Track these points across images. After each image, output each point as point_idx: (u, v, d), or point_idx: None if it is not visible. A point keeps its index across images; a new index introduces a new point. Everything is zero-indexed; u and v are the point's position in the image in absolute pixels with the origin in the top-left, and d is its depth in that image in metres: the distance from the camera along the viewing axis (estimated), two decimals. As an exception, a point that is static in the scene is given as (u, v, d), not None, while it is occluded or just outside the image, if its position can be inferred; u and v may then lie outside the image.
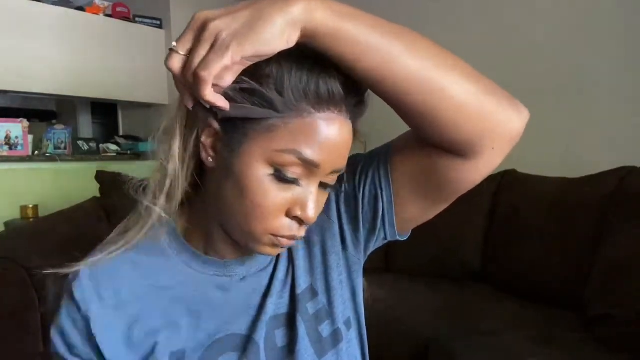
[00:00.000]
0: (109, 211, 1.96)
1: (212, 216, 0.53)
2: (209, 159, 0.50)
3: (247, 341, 0.56)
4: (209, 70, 0.41)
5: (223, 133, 0.48)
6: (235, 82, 0.44)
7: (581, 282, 1.44)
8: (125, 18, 3.60)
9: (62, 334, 0.54)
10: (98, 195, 2.30)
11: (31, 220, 2.89)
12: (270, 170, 0.47)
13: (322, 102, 0.46)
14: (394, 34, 0.43)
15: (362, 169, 0.57)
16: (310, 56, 0.45)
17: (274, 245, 0.51)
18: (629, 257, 1.35)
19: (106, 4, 3.57)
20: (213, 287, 0.57)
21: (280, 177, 0.47)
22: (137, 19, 3.67)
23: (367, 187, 0.56)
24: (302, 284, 0.60)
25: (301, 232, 0.51)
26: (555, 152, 2.07)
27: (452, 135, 0.47)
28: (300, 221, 0.50)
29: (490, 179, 1.97)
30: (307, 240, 0.61)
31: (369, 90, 0.49)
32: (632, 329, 1.22)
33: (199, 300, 0.57)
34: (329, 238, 0.60)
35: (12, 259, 1.57)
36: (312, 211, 0.49)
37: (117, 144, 3.73)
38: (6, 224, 2.87)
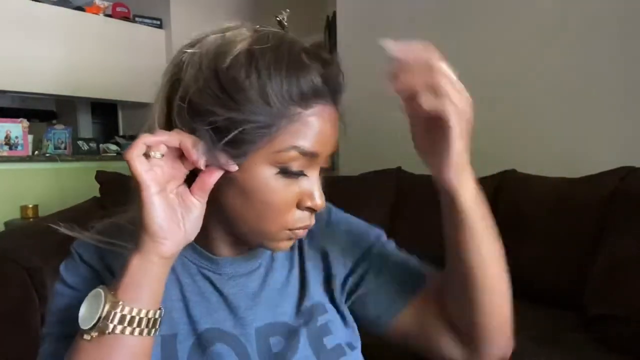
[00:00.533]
0: (109, 211, 1.96)
1: (211, 219, 0.53)
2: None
3: (237, 341, 0.57)
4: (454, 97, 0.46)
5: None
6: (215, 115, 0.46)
7: (581, 282, 1.44)
8: (125, 18, 3.61)
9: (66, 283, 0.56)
10: (98, 195, 2.30)
11: (31, 220, 2.89)
12: (275, 170, 0.49)
13: (308, 99, 0.48)
14: (494, 235, 0.54)
15: (392, 267, 0.63)
16: (284, 54, 0.47)
17: (290, 239, 0.54)
18: (629, 257, 1.35)
19: (106, 4, 3.57)
20: (202, 278, 0.58)
21: (285, 172, 0.49)
22: (137, 19, 3.67)
23: (383, 287, 0.61)
24: (316, 298, 0.60)
25: (312, 220, 0.53)
26: (555, 152, 2.06)
27: (475, 318, 0.53)
28: (311, 210, 0.52)
29: (490, 178, 1.97)
30: (322, 264, 0.63)
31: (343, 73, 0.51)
32: (632, 329, 1.22)
33: (190, 287, 0.57)
34: (337, 276, 0.62)
35: (12, 259, 1.57)
36: (319, 199, 0.51)
37: (117, 144, 3.73)
38: (6, 224, 2.87)
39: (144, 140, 0.46)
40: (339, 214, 0.66)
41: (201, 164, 0.47)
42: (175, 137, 0.47)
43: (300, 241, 0.62)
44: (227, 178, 0.49)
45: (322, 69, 0.49)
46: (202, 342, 0.56)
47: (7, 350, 1.57)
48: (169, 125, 0.49)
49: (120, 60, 3.54)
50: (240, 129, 0.46)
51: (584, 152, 1.98)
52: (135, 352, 0.46)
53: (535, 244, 1.66)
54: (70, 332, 0.51)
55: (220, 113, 0.46)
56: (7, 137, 3.00)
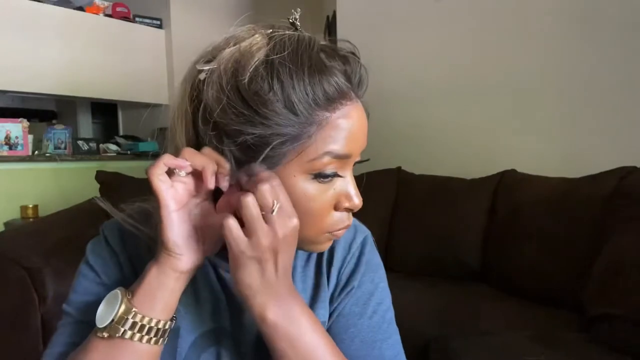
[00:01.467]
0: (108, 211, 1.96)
1: None
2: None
3: (233, 345, 0.56)
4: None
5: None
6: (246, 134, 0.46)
7: (581, 282, 1.44)
8: (125, 18, 3.61)
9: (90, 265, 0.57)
10: (98, 195, 2.30)
11: (31, 220, 2.89)
12: (310, 177, 0.48)
13: (334, 101, 0.47)
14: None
15: (352, 324, 0.59)
16: (304, 59, 0.46)
17: (330, 240, 0.53)
18: (629, 257, 1.35)
19: (106, 4, 3.57)
20: (215, 277, 0.57)
21: (320, 176, 0.48)
22: (137, 19, 3.67)
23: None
24: (321, 313, 0.59)
25: (351, 219, 0.53)
26: (555, 152, 2.07)
27: None
28: (349, 210, 0.52)
29: (490, 178, 1.97)
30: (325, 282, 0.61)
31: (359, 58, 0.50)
32: (632, 329, 1.22)
33: (201, 284, 0.57)
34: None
35: (12, 259, 1.57)
36: (357, 198, 0.51)
37: (117, 144, 3.73)
38: (6, 224, 2.87)
39: (165, 161, 0.45)
40: (372, 259, 0.63)
41: (223, 187, 0.47)
42: (199, 161, 0.46)
43: (320, 254, 0.61)
44: None
45: (343, 66, 0.48)
46: (202, 340, 0.56)
47: (7, 350, 1.56)
48: (197, 144, 0.49)
49: (120, 60, 3.54)
50: (271, 146, 0.45)
51: (584, 152, 1.98)
52: (142, 358, 0.47)
53: (535, 244, 1.66)
54: (85, 319, 0.53)
55: (248, 131, 0.45)
56: (7, 137, 3.00)
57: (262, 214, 0.44)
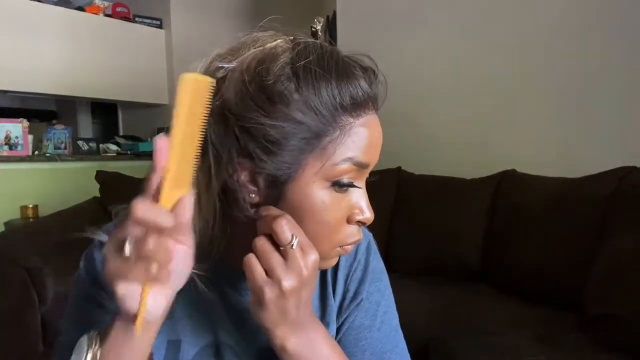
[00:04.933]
0: (109, 211, 1.96)
1: (249, 236, 0.48)
2: (251, 195, 0.48)
3: (237, 355, 0.56)
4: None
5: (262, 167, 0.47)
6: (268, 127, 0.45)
7: (581, 282, 1.44)
8: (125, 18, 3.61)
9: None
10: (98, 195, 2.30)
11: (31, 220, 2.89)
12: (328, 184, 0.47)
13: (358, 108, 0.47)
14: None
15: (365, 334, 0.59)
16: (331, 65, 0.46)
17: (338, 255, 0.52)
18: (629, 257, 1.35)
19: (106, 4, 3.58)
20: (217, 291, 0.56)
21: (338, 185, 0.47)
22: (137, 19, 3.68)
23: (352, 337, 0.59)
24: (332, 330, 0.59)
25: (361, 234, 0.52)
26: (555, 152, 2.07)
27: None
28: (361, 224, 0.51)
29: (490, 178, 1.97)
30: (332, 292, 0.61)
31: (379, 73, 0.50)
32: (632, 329, 1.22)
33: (204, 297, 0.55)
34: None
35: (12, 259, 1.57)
36: (369, 211, 0.50)
37: (117, 144, 3.73)
38: (6, 224, 2.87)
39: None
40: (377, 266, 0.63)
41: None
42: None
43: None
44: (276, 201, 0.47)
45: (366, 77, 0.48)
46: (204, 354, 0.55)
47: (7, 350, 1.56)
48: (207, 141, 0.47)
49: (120, 60, 3.55)
50: (291, 142, 0.45)
51: (584, 152, 1.98)
52: None
53: (535, 244, 1.66)
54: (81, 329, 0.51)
55: (270, 129, 0.44)
56: (7, 137, 3.00)
57: (282, 249, 0.44)
